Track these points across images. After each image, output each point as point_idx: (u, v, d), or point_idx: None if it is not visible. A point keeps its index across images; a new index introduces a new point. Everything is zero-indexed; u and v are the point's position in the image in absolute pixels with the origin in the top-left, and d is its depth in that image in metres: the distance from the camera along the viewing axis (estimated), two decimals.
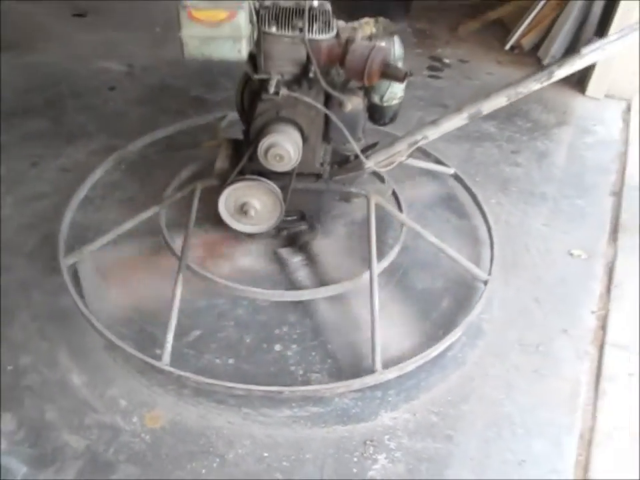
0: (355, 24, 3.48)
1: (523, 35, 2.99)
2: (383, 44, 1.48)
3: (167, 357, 1.28)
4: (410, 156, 1.69)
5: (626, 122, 2.48)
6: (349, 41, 1.43)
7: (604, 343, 1.49)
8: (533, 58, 2.90)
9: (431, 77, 2.72)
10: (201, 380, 1.27)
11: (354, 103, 1.45)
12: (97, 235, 1.58)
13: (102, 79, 2.51)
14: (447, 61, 2.87)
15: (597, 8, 2.61)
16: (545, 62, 2.81)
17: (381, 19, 3.45)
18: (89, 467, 1.16)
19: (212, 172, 1.55)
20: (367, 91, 1.55)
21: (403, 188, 1.82)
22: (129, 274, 1.57)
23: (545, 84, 1.47)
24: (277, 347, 1.40)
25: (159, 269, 1.55)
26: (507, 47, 3.01)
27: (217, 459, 1.18)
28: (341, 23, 3.42)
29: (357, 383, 1.30)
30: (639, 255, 1.75)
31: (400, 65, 1.51)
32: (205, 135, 1.98)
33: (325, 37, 1.39)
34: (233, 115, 1.84)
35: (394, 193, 1.82)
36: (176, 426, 1.23)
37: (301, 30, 1.35)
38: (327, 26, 1.39)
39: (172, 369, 1.27)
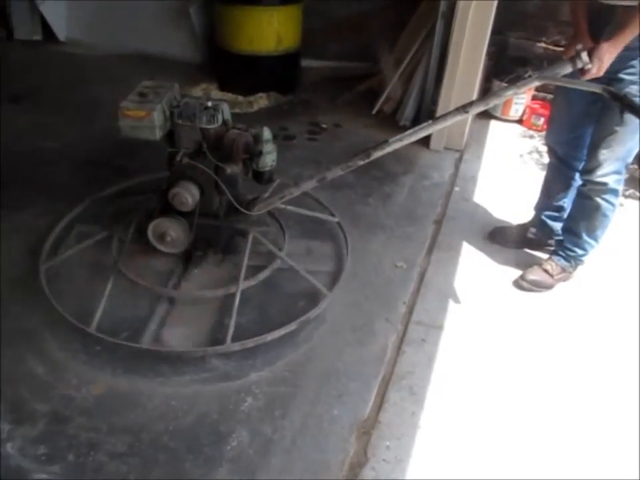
0: (251, 98, 4.48)
1: (385, 103, 3.97)
2: (254, 131, 2.22)
3: (94, 324, 2.04)
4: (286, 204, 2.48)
5: (457, 168, 3.45)
6: (227, 129, 2.23)
7: (409, 322, 2.33)
8: (392, 120, 3.86)
9: (309, 139, 3.62)
10: (118, 342, 2.02)
11: (233, 169, 2.26)
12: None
13: (39, 156, 3.25)
14: (324, 125, 3.79)
15: (430, 86, 3.61)
16: (400, 124, 3.77)
17: (273, 93, 4.47)
18: (53, 420, 1.85)
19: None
20: (251, 161, 2.24)
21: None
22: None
23: (366, 161, 2.20)
24: None
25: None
26: (374, 111, 3.99)
27: (140, 408, 1.90)
28: (240, 98, 4.42)
29: (210, 350, 2.04)
30: (444, 265, 2.65)
31: (269, 145, 2.22)
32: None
33: (211, 126, 2.18)
34: None
35: (282, 230, 2.61)
36: (112, 391, 1.95)
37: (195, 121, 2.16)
38: (214, 119, 2.18)
39: (97, 333, 2.02)
